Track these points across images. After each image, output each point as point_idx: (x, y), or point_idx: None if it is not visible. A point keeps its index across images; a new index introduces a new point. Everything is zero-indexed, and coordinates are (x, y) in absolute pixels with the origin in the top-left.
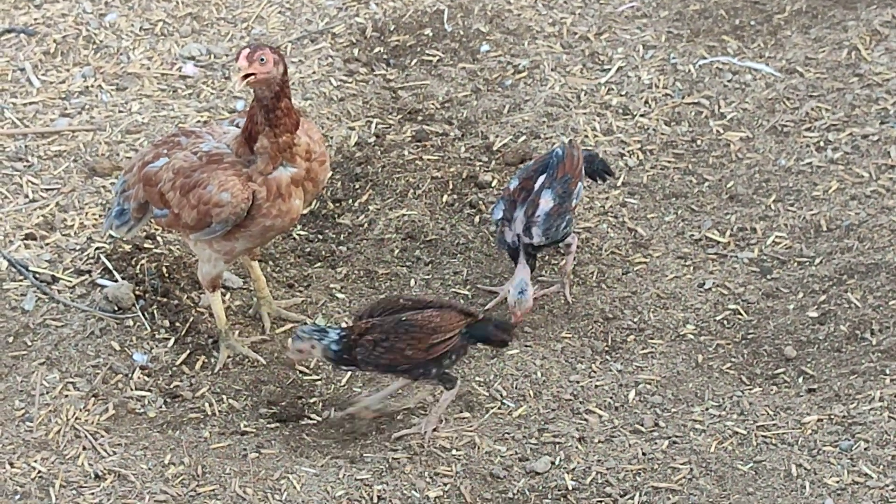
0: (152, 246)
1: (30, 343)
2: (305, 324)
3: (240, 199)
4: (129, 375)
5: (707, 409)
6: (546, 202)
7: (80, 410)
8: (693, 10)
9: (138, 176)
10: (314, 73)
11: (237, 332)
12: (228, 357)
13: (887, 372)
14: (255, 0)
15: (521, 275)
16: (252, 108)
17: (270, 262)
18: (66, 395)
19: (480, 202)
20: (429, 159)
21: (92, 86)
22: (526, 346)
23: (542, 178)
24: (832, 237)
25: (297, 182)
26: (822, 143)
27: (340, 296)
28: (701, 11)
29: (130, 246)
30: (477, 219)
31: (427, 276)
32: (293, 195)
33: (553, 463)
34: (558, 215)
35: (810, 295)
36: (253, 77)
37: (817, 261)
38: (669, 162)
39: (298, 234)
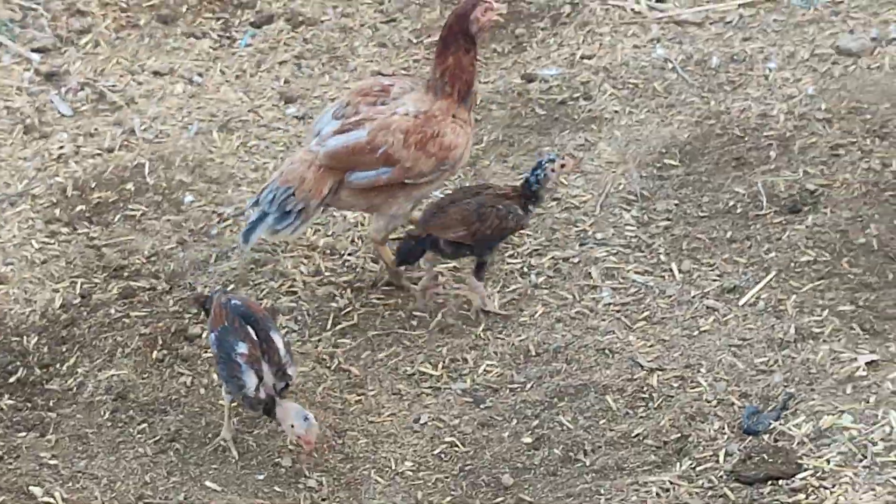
0: None
1: None
2: None
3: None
4: None
5: None
6: (279, 340)
7: None
8: None
9: (318, 169)
10: (14, 237)
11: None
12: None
13: (602, 492)
14: None
15: (292, 407)
16: (464, 59)
17: None
18: None
19: (192, 356)
20: (136, 316)
21: None
22: None
23: (250, 328)
24: (541, 361)
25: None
26: (525, 269)
27: (53, 463)
28: None
29: None
30: (189, 375)
31: (141, 436)
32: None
33: None
34: (290, 344)
35: (524, 421)
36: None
37: (528, 386)
38: (379, 299)
39: (6, 405)
